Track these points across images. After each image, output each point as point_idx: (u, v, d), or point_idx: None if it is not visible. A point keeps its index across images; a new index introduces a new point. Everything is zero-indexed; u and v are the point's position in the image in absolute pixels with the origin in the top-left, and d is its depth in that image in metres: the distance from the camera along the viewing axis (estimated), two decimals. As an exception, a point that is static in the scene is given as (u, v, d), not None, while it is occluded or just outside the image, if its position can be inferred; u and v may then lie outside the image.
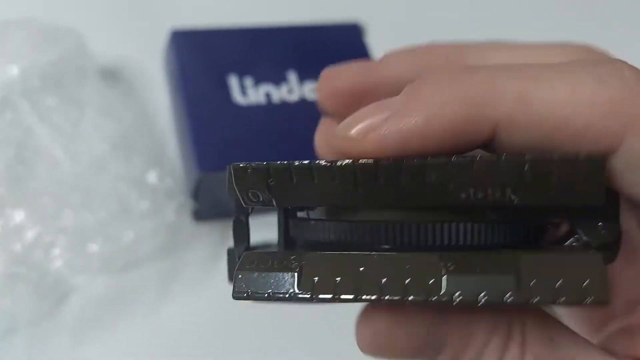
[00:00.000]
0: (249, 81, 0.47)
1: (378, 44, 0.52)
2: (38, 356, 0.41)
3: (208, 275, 0.46)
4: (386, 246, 0.20)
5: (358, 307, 0.23)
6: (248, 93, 0.47)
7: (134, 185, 0.44)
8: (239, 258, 0.21)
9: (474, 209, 0.19)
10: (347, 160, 0.19)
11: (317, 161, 0.19)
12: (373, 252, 0.19)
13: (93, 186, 0.43)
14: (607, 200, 0.19)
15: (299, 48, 0.50)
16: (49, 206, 0.42)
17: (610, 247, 0.20)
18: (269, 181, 0.20)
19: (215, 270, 0.46)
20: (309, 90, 0.48)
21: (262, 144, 0.45)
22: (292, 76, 0.48)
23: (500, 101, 0.18)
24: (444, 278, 0.18)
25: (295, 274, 0.19)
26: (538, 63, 0.18)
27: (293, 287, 0.19)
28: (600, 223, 0.19)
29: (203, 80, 0.47)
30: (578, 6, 0.61)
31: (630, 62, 0.19)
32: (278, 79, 0.48)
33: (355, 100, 0.23)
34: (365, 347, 0.21)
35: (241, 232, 0.23)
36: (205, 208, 0.46)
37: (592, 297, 0.18)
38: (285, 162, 0.20)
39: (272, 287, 0.20)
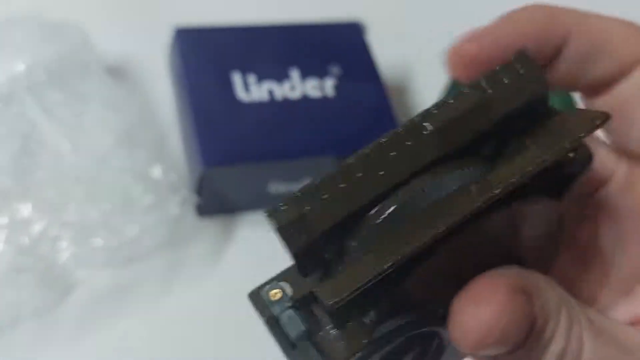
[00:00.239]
0: (252, 78, 0.48)
1: (378, 42, 0.53)
2: (43, 346, 0.41)
3: (210, 269, 0.46)
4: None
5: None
6: (251, 90, 0.48)
7: (138, 179, 0.44)
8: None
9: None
10: None
11: None
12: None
13: (97, 179, 0.43)
14: None
15: (301, 46, 0.51)
16: (54, 199, 0.42)
17: None
18: None
19: (217, 264, 0.46)
20: (310, 87, 0.49)
21: (264, 139, 0.46)
22: (295, 73, 0.49)
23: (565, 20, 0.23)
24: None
25: None
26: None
27: None
28: None
29: (206, 77, 0.48)
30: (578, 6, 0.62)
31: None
32: (280, 76, 0.49)
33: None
34: (470, 342, 0.20)
35: None
36: (209, 203, 0.46)
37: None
38: None
39: None
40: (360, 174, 0.19)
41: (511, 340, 0.20)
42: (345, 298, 0.18)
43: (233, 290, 0.46)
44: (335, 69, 0.50)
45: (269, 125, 0.47)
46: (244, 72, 0.48)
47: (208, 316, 0.44)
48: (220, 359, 0.43)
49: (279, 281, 0.22)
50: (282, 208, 0.19)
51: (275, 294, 0.21)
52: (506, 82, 0.20)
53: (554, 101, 0.21)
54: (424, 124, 0.20)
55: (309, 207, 0.19)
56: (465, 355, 0.24)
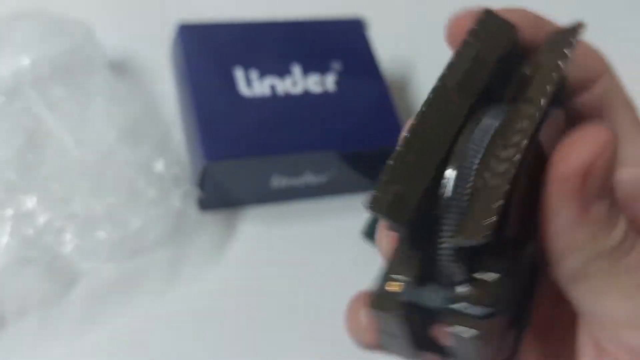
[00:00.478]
0: (254, 74, 0.48)
1: (380, 38, 0.53)
2: (48, 337, 0.42)
3: (213, 263, 0.47)
4: None
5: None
6: (253, 85, 0.48)
7: (142, 173, 0.44)
8: None
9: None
10: None
11: None
12: None
13: (101, 173, 0.44)
14: None
15: (303, 42, 0.51)
16: (59, 192, 0.43)
17: None
18: None
19: (220, 258, 0.47)
20: (312, 83, 0.49)
21: (266, 134, 0.46)
22: (296, 69, 0.49)
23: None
24: None
25: None
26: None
27: None
28: None
29: (209, 72, 0.48)
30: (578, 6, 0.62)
31: (630, 61, 0.22)
32: (282, 72, 0.49)
33: None
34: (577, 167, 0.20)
35: None
36: (211, 197, 0.47)
37: None
38: None
39: None
40: (420, 145, 0.21)
41: (610, 175, 0.20)
42: (493, 224, 0.19)
43: (235, 283, 0.47)
44: (337, 65, 0.50)
45: (271, 120, 0.47)
46: (247, 67, 0.49)
47: (211, 308, 0.45)
48: (222, 352, 0.44)
49: (385, 280, 0.23)
50: (377, 196, 0.21)
51: (394, 285, 0.22)
52: (486, 34, 0.23)
53: None
54: (446, 84, 0.23)
55: (397, 186, 0.21)
56: None
